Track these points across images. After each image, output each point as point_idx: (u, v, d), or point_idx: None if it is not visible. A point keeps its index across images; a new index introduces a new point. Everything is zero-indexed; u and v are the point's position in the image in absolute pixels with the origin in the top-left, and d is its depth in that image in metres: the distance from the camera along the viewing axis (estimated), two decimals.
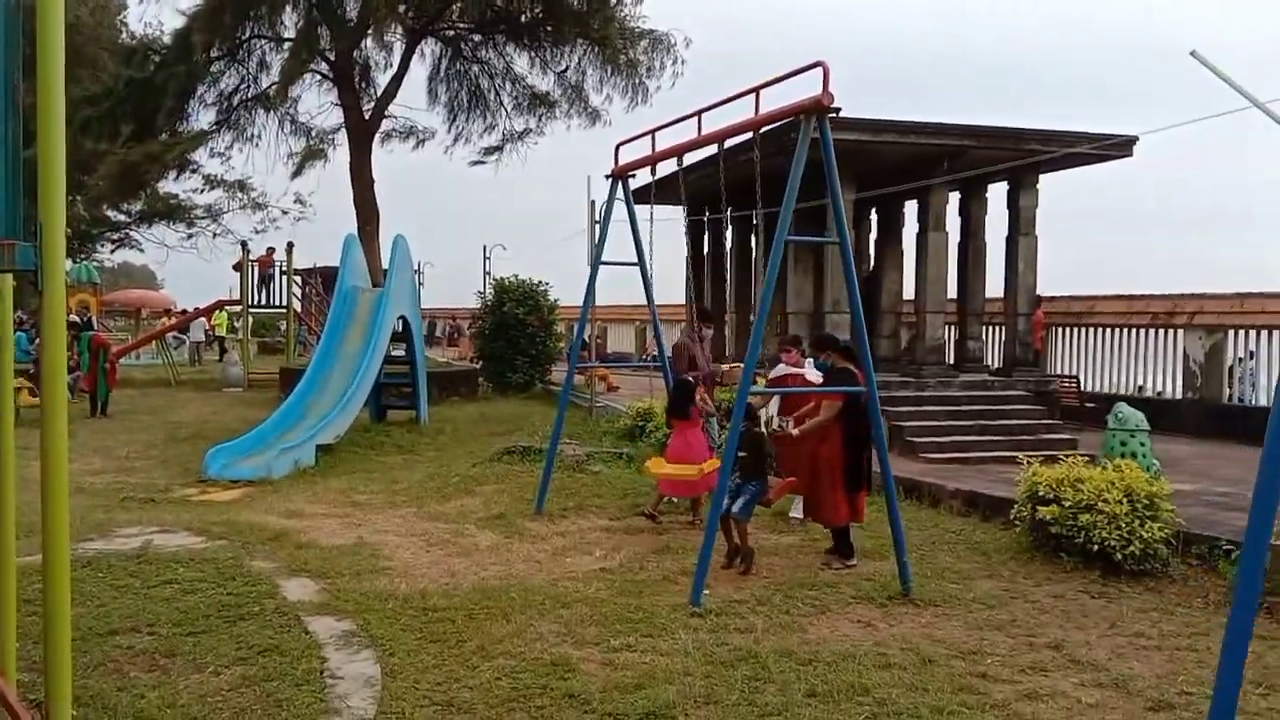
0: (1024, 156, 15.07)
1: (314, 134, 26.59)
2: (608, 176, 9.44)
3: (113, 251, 49.59)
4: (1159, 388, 17.54)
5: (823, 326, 17.46)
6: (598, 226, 17.84)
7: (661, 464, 8.83)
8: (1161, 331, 17.34)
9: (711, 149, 9.19)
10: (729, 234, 19.16)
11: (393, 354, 17.46)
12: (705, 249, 21.12)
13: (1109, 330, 18.43)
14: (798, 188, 6.61)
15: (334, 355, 14.70)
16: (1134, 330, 17.89)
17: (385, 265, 18.89)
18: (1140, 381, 18.11)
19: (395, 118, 26.11)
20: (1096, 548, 7.42)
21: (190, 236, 42.47)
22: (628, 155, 9.39)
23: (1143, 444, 11.10)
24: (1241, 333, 16.04)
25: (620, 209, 9.33)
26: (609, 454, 12.11)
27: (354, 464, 12.96)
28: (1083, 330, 19.02)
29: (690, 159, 8.99)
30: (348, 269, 15.65)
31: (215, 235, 41.61)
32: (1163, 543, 7.45)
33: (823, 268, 18.79)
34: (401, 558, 7.73)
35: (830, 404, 7.49)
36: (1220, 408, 15.97)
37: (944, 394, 14.77)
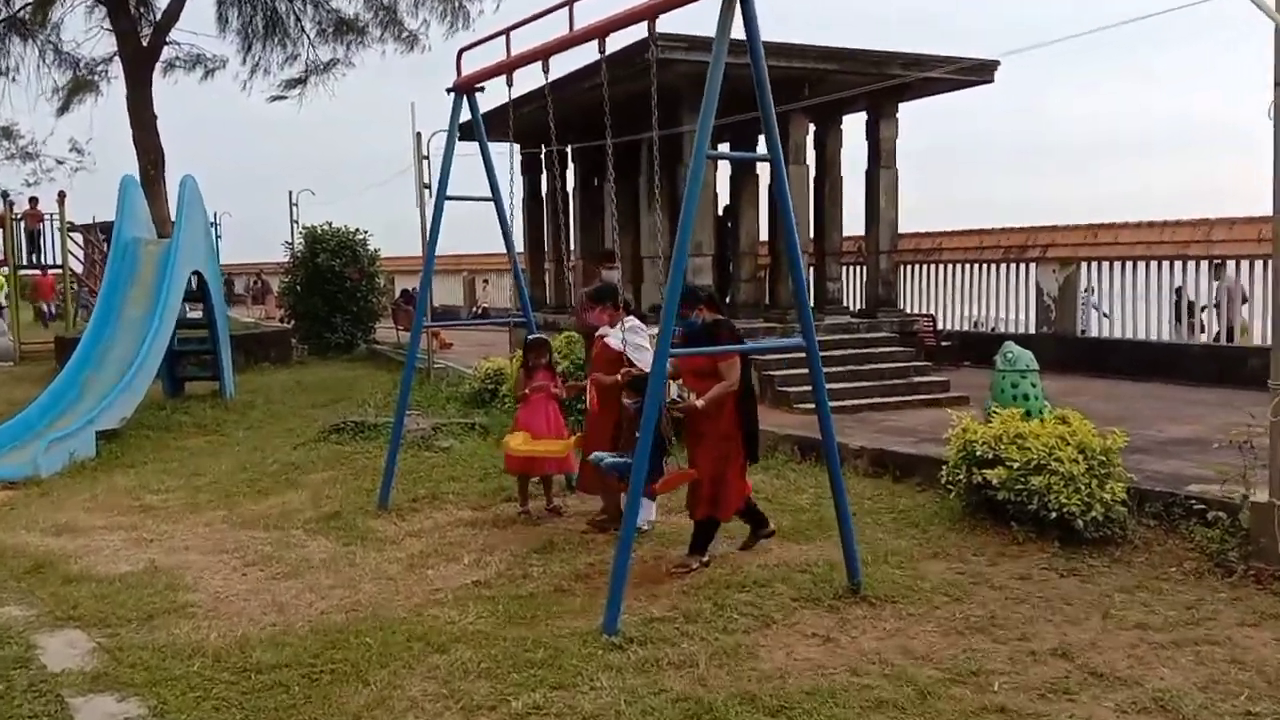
0: (886, 80, 14.08)
1: (83, 65, 23.08)
2: (450, 90, 7.68)
3: None
4: (1010, 323, 17.23)
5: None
6: (425, 162, 15.94)
7: (525, 439, 7.30)
8: (1014, 265, 16.97)
9: (534, 77, 7.58)
10: (571, 170, 17.54)
11: (188, 316, 15.06)
12: (544, 189, 19.46)
13: (960, 266, 17.97)
14: (716, 99, 5.11)
15: (114, 321, 12.29)
16: (986, 265, 17.47)
17: (174, 216, 16.28)
18: (992, 318, 17.79)
19: (179, 44, 22.95)
20: (1054, 514, 6.40)
21: None
22: (473, 64, 7.69)
23: (1034, 385, 10.32)
24: (1095, 264, 15.78)
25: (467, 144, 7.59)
26: (458, 425, 10.44)
27: (145, 452, 10.76)
28: (933, 267, 18.51)
29: (517, 90, 7.39)
30: (126, 217, 13.14)
31: None
32: (1120, 504, 6.52)
33: (679, 205, 17.53)
34: (209, 587, 5.91)
35: (730, 364, 6.04)
36: (1074, 341, 15.71)
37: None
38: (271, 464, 9.30)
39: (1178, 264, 14.45)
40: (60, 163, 34.73)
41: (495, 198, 7.83)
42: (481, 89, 7.73)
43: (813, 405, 6.50)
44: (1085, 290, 15.57)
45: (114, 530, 7.27)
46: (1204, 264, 14.14)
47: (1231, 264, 14.03)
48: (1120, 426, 7.06)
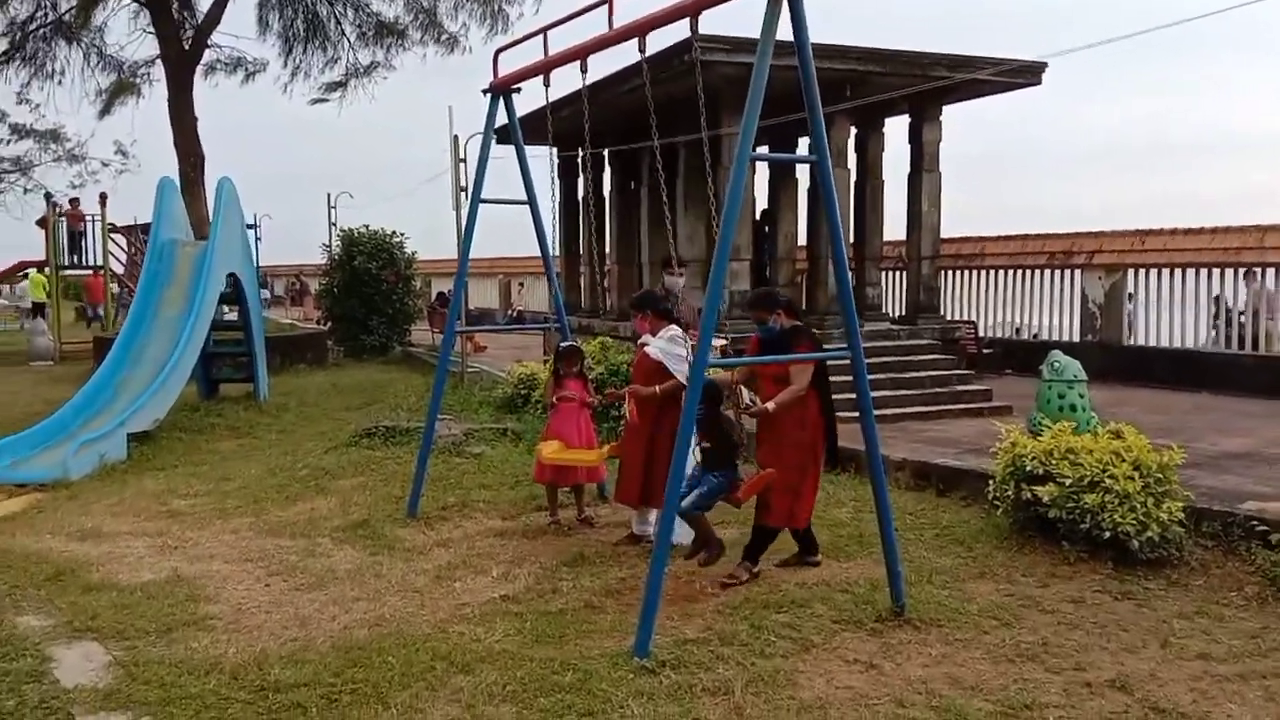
0: (930, 82, 13.75)
1: (126, 68, 23.26)
2: (485, 91, 7.52)
3: None
4: (1055, 332, 16.84)
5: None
6: (462, 165, 15.82)
7: (559, 449, 7.11)
8: (1058, 272, 16.58)
9: (572, 80, 7.39)
10: (608, 174, 17.36)
11: (225, 318, 15.07)
12: (580, 194, 19.30)
13: (1002, 272, 17.61)
14: (761, 98, 4.87)
15: (149, 321, 12.27)
16: (1029, 271, 17.10)
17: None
18: (1034, 325, 17.40)
19: (220, 47, 23.07)
20: (1108, 534, 6.10)
21: None
22: (509, 65, 7.51)
23: (1082, 395, 9.99)
24: (1142, 271, 15.36)
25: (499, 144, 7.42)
26: (491, 430, 10.28)
27: (176, 455, 10.71)
28: (975, 273, 18.14)
29: (555, 93, 7.25)
30: (163, 219, 13.13)
31: (26, 191, 36.89)
32: (1178, 523, 6.21)
33: (717, 208, 17.28)
34: (231, 597, 5.77)
35: (802, 370, 5.93)
36: (1120, 349, 15.30)
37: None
38: (301, 469, 9.19)
39: (1229, 271, 14.04)
40: (105, 165, 35.09)
41: (531, 201, 7.65)
42: (518, 90, 7.56)
43: (854, 414, 6.30)
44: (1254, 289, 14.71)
45: (139, 536, 7.17)
46: (1254, 271, 13.69)
47: (1259, 271, 13.66)
48: (1171, 440, 6.75)
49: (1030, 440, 6.85)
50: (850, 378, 5.54)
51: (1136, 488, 6.16)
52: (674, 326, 6.80)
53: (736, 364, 5.99)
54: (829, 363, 6.40)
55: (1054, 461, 6.54)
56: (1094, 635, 5.10)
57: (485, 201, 7.51)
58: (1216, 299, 14.36)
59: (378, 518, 7.46)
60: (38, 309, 29.87)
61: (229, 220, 13.60)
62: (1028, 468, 6.62)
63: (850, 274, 14.87)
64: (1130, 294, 15.10)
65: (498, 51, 7.64)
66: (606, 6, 6.14)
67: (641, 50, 5.83)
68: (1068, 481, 6.32)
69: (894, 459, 8.58)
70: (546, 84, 7.02)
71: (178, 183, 16.84)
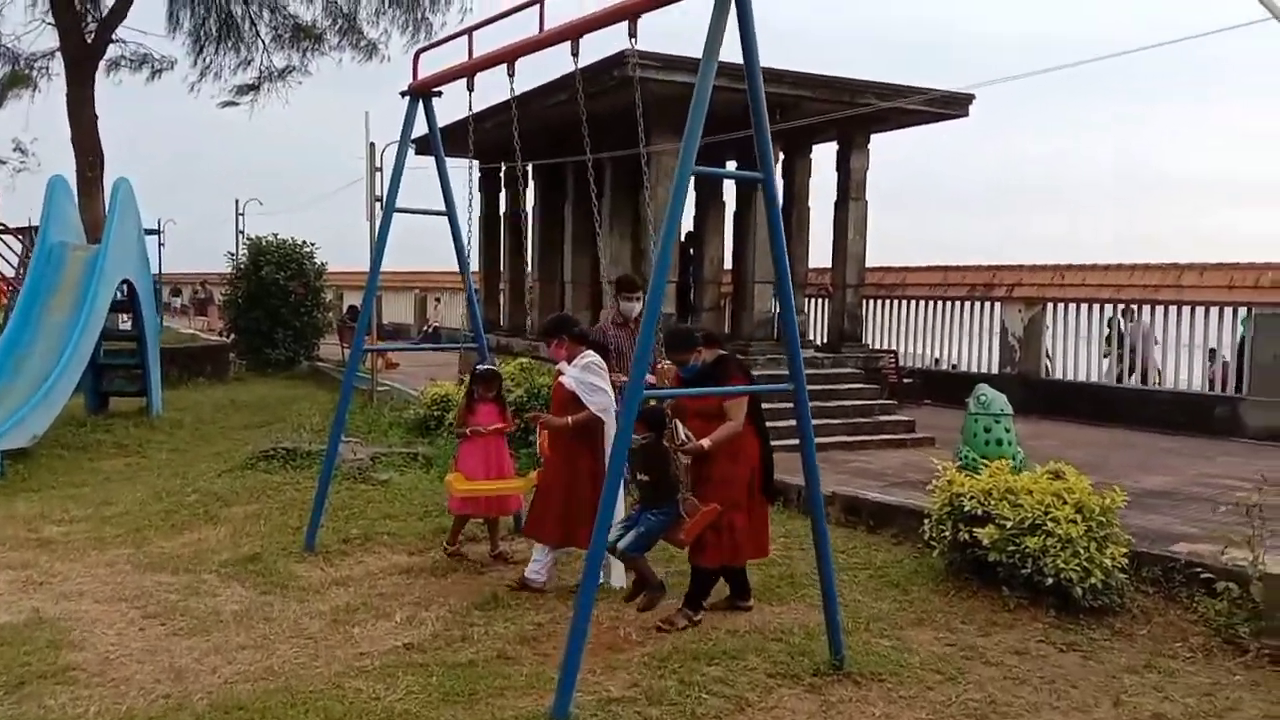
0: (859, 108, 13.64)
1: (23, 61, 22.00)
2: (404, 93, 7.00)
3: None
4: (974, 364, 16.88)
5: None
6: (378, 174, 15.18)
7: (467, 481, 6.61)
8: (979, 304, 16.64)
9: (495, 90, 6.99)
10: (530, 189, 16.88)
11: (119, 328, 14.17)
12: (501, 208, 18.78)
13: (923, 303, 17.62)
14: (706, 107, 4.51)
15: (32, 330, 11.37)
16: (950, 303, 17.13)
17: None
18: (952, 357, 17.42)
19: (125, 43, 21.97)
20: (1050, 580, 5.85)
21: None
22: (431, 68, 7.03)
23: (1008, 430, 9.87)
24: (1060, 306, 15.48)
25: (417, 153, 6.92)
26: (400, 455, 9.69)
27: (56, 475, 9.88)
28: (896, 303, 18.14)
29: (477, 104, 6.84)
30: (52, 220, 12.23)
31: None
32: (1120, 570, 5.99)
33: (643, 228, 16.91)
34: (99, 644, 5.12)
35: (737, 404, 5.58)
36: (1037, 383, 15.38)
37: (775, 373, 13.20)
38: (191, 494, 8.49)
39: (1147, 308, 14.21)
40: (2, 163, 33.44)
41: (449, 212, 7.15)
42: (439, 94, 7.07)
43: (776, 442, 5.99)
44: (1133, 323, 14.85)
45: (0, 569, 6.43)
46: (1172, 309, 13.84)
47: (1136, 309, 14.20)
48: (1096, 476, 6.58)
49: (967, 479, 6.58)
50: (783, 405, 5.23)
51: (1079, 531, 5.91)
52: (590, 352, 6.36)
53: (673, 395, 5.58)
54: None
55: (993, 502, 6.28)
56: (1043, 692, 4.80)
57: (401, 211, 7.00)
58: (1109, 322, 14.62)
59: (271, 551, 6.84)
60: None
61: (124, 222, 12.76)
62: (966, 508, 6.34)
63: (773, 300, 14.79)
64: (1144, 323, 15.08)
65: (419, 52, 7.15)
66: (537, 8, 5.71)
67: (575, 54, 5.41)
68: (1008, 524, 6.06)
69: (823, 493, 8.25)
70: (470, 87, 6.56)
71: (73, 183, 15.89)
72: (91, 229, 16.79)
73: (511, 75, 6.11)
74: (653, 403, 5.37)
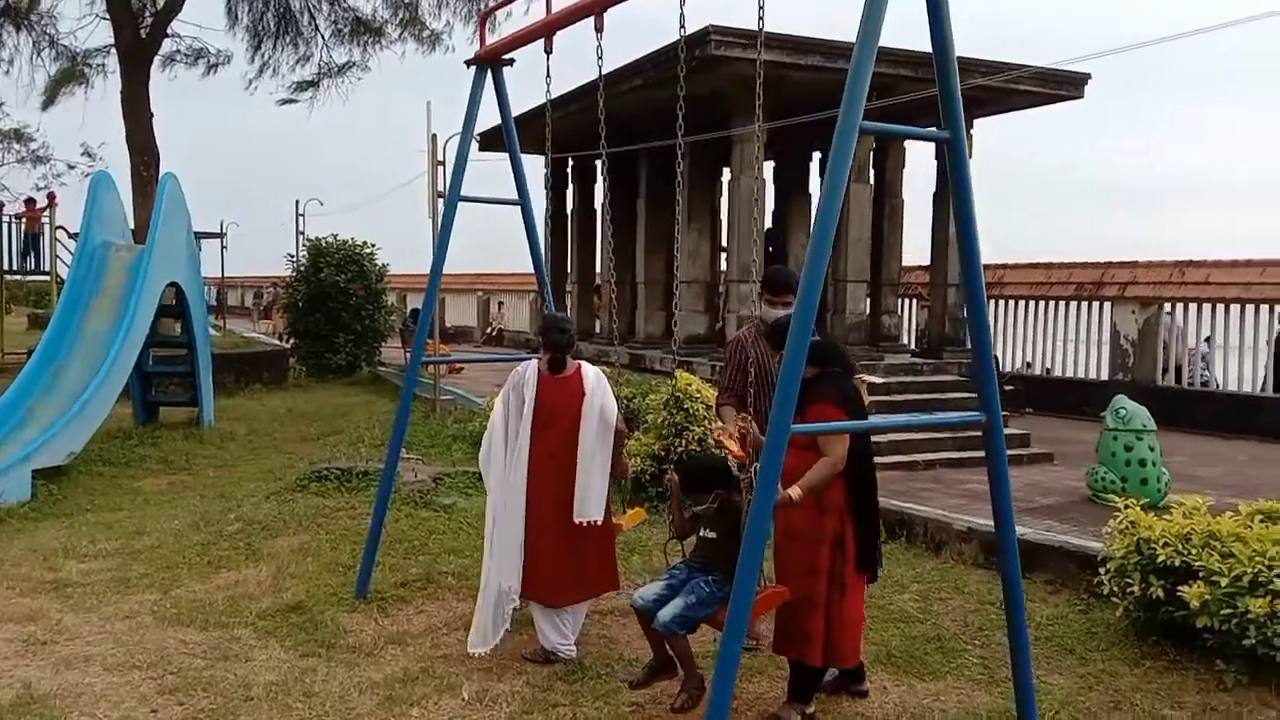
0: (964, 87, 12.36)
1: (79, 57, 21.55)
2: (470, 63, 5.96)
3: None
4: (1079, 369, 15.53)
5: (721, 300, 14.48)
6: (441, 168, 14.27)
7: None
8: (1086, 304, 15.24)
9: (559, 83, 5.86)
10: (599, 185, 15.84)
11: (170, 334, 13.43)
12: (568, 205, 17.81)
13: (1023, 303, 16.27)
14: (875, 49, 3.38)
15: (72, 336, 10.59)
16: (1053, 303, 15.76)
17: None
18: (1055, 362, 16.06)
19: (180, 38, 21.41)
20: (1276, 655, 4.61)
21: None
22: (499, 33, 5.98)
23: (1152, 448, 8.64)
24: (1180, 305, 14.04)
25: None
26: (464, 475, 8.67)
27: (92, 496, 9.03)
28: (992, 303, 16.77)
29: (543, 97, 5.73)
30: (95, 218, 11.47)
31: None
32: None
33: (720, 223, 15.80)
34: None
35: (837, 441, 4.13)
36: (1153, 390, 13.93)
37: (871, 382, 12.00)
38: (234, 521, 7.55)
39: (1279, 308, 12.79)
40: (71, 167, 33.38)
41: (522, 198, 6.10)
42: (510, 61, 6.02)
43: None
44: (1205, 340, 13.83)
45: (1, 623, 5.50)
46: None
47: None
48: (1239, 499, 5.35)
49: (1159, 521, 5.35)
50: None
51: None
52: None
53: (822, 430, 4.14)
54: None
55: (1193, 550, 5.06)
56: None
57: (467, 200, 5.96)
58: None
59: (317, 597, 5.85)
60: None
61: (171, 221, 11.97)
62: (1160, 557, 5.12)
63: (867, 300, 13.58)
64: (1208, 337, 13.87)
65: (485, 14, 6.13)
66: None
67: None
68: (1223, 581, 4.83)
69: (957, 528, 7.06)
70: (548, 50, 5.48)
71: (124, 182, 15.23)
72: (146, 231, 16.15)
73: (599, 31, 5.03)
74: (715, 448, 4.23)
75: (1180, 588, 4.92)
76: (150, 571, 6.41)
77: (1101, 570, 5.48)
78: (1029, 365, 16.29)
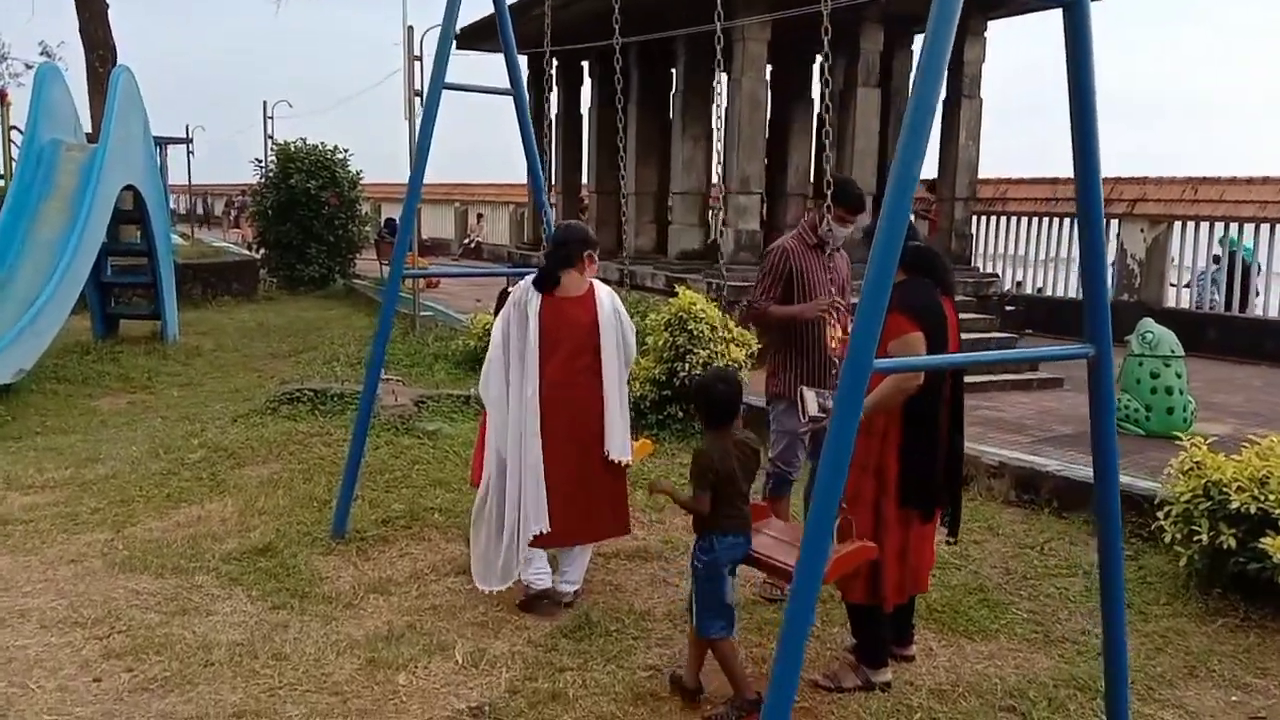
0: None
1: None
2: None
3: None
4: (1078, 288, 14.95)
5: (721, 213, 13.72)
6: (418, 63, 13.30)
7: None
8: None
9: None
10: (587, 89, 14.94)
11: (128, 241, 12.59)
12: (550, 109, 16.87)
13: (1026, 219, 15.62)
14: None
15: (18, 246, 9.74)
16: (1058, 220, 15.12)
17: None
18: (1058, 281, 15.50)
19: None
20: None
21: None
22: None
23: (1179, 375, 8.15)
24: (1191, 225, 13.45)
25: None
26: (449, 399, 8.04)
27: (44, 417, 8.32)
28: (994, 219, 16.13)
29: None
30: (42, 114, 10.49)
31: None
32: None
33: (712, 132, 14.95)
34: (26, 714, 3.54)
35: (903, 342, 3.55)
36: (1161, 313, 13.38)
37: None
38: (197, 447, 6.90)
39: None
40: (29, 66, 31.76)
41: (515, 89, 5.33)
42: None
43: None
44: (1214, 258, 13.27)
45: None
46: None
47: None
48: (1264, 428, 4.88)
49: (1229, 462, 4.81)
50: None
51: None
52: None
53: (906, 365, 3.48)
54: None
55: (1271, 496, 4.53)
56: None
57: (452, 88, 5.19)
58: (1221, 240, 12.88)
59: (289, 537, 5.24)
60: None
61: (126, 119, 11.04)
62: (1233, 503, 4.59)
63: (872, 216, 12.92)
64: (1217, 256, 13.30)
65: None
66: None
67: None
68: None
69: (985, 461, 6.52)
70: None
71: (80, 80, 14.17)
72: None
73: None
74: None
75: (1261, 539, 4.40)
76: (102, 506, 5.76)
77: (1160, 514, 4.96)
78: (1019, 284, 15.78)
